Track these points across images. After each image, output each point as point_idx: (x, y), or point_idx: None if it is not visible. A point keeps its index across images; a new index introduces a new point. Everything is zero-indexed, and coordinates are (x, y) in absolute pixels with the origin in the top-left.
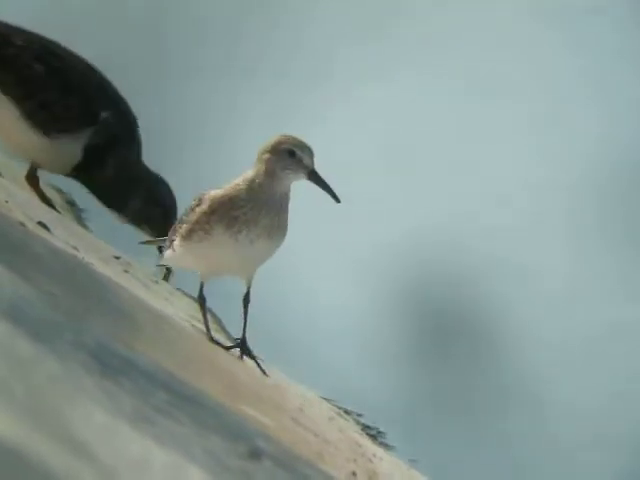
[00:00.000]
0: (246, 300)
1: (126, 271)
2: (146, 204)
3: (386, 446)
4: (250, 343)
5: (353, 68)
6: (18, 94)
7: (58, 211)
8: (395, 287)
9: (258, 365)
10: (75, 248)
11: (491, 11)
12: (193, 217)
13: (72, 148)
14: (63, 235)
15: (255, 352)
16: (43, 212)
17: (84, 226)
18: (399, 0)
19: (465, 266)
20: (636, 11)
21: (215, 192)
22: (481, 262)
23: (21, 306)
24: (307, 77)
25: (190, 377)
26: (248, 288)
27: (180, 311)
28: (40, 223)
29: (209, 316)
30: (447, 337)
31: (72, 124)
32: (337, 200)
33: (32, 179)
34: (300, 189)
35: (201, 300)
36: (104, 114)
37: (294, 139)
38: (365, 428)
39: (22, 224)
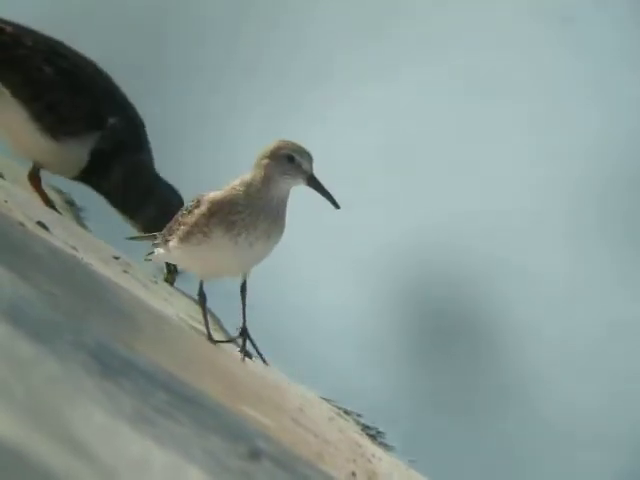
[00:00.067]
0: (243, 288)
1: (125, 271)
2: (158, 214)
3: (386, 446)
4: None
5: (353, 68)
6: (26, 96)
7: (58, 212)
8: (395, 287)
9: (259, 354)
10: (74, 248)
11: (491, 11)
12: (191, 219)
13: (79, 151)
14: (62, 235)
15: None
16: (42, 212)
17: (83, 226)
18: (399, 0)
19: (465, 266)
20: (636, 11)
21: (214, 194)
22: (481, 262)
23: (21, 306)
24: (307, 77)
25: (190, 377)
26: (245, 279)
27: (180, 311)
28: (39, 223)
29: (208, 316)
30: (447, 337)
31: (79, 127)
32: (336, 206)
33: (34, 179)
34: (300, 189)
35: (201, 298)
36: (112, 119)
37: (293, 144)
38: (365, 428)
39: (21, 224)
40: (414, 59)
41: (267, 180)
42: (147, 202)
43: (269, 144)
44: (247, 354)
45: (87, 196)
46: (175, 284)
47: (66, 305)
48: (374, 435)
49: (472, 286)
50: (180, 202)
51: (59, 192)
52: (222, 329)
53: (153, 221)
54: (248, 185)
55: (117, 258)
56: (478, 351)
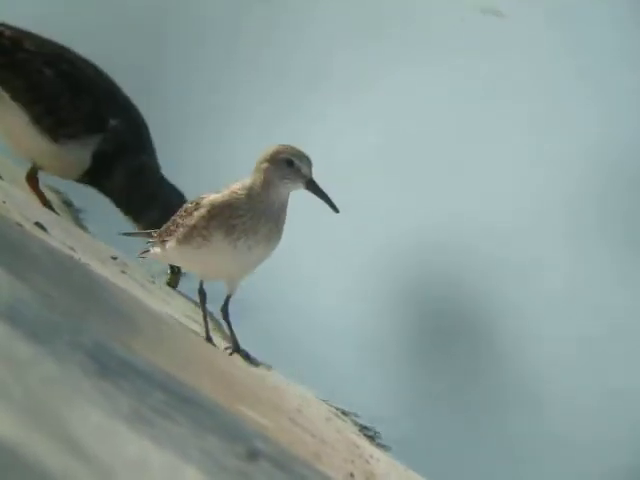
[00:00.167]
0: (225, 308)
1: (123, 272)
2: (162, 217)
3: (384, 447)
4: (250, 343)
5: (353, 68)
6: (27, 99)
7: (56, 212)
8: (395, 287)
9: (256, 363)
10: (72, 249)
11: (491, 13)
12: (190, 221)
13: (81, 154)
14: (60, 236)
15: (254, 353)
16: (40, 213)
17: (81, 227)
18: (399, 0)
19: (465, 266)
20: (636, 11)
21: (214, 197)
22: (481, 262)
23: (18, 307)
24: (307, 77)
25: (188, 378)
26: (228, 297)
27: (177, 311)
28: (37, 224)
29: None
30: (447, 337)
31: (80, 129)
32: (335, 210)
33: (32, 180)
34: (300, 191)
35: (201, 295)
36: (113, 121)
37: (292, 149)
38: (363, 429)
39: (19, 225)
40: (414, 59)
41: (267, 184)
42: (151, 205)
43: (268, 148)
44: (251, 360)
45: (85, 197)
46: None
47: (64, 305)
48: (372, 436)
49: (472, 286)
50: (183, 202)
51: (57, 193)
52: (220, 331)
53: (156, 224)
54: (249, 189)
55: (115, 258)
56: (478, 351)
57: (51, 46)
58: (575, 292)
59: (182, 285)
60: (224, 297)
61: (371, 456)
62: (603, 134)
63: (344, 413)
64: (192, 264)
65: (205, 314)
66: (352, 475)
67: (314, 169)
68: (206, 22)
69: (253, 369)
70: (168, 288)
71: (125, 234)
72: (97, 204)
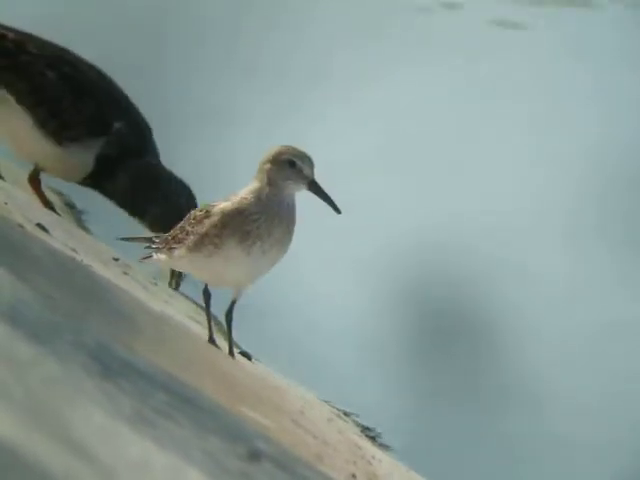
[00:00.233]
0: (230, 313)
1: (125, 273)
2: (166, 210)
3: (385, 447)
4: (251, 345)
5: (353, 68)
6: (31, 102)
7: (58, 214)
8: (395, 287)
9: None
10: (74, 250)
11: (491, 12)
12: (202, 229)
13: (84, 157)
14: (62, 237)
15: (255, 354)
16: (42, 214)
17: (84, 228)
18: (399, 0)
19: (465, 266)
20: (636, 11)
21: (224, 205)
22: (481, 262)
23: (20, 308)
24: (307, 77)
25: (190, 379)
26: (233, 302)
27: (179, 313)
28: (39, 225)
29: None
30: (447, 337)
31: (84, 133)
32: (337, 211)
33: (34, 181)
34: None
35: (206, 296)
36: (117, 124)
37: (294, 149)
38: (364, 430)
39: (21, 226)
40: (414, 59)
41: (270, 185)
42: (154, 200)
43: (270, 149)
44: (246, 355)
45: (87, 198)
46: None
47: (65, 306)
48: (374, 436)
49: (472, 286)
50: (189, 196)
51: (59, 194)
52: (224, 333)
53: (161, 217)
54: (258, 192)
55: (117, 260)
56: (478, 351)
57: (53, 48)
58: (575, 292)
59: (184, 286)
60: (229, 301)
61: (373, 457)
62: (603, 134)
63: (346, 414)
64: (202, 272)
65: (209, 315)
66: (354, 476)
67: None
68: (206, 22)
69: (255, 370)
70: (170, 289)
71: (124, 239)
72: (99, 206)
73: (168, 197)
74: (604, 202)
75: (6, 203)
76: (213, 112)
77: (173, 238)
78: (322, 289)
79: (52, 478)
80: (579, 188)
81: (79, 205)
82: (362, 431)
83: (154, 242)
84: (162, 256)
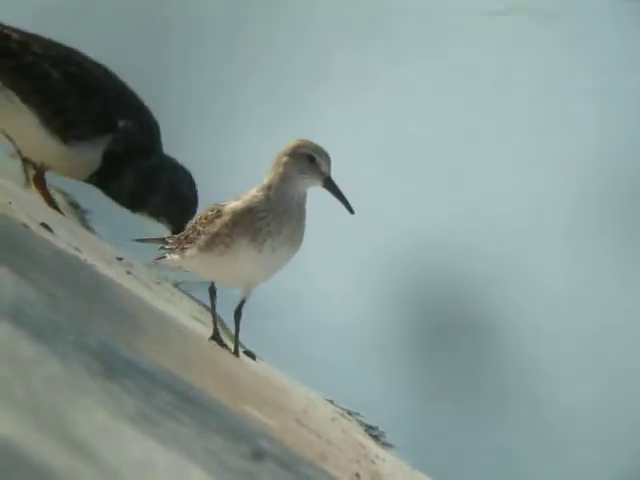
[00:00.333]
0: (238, 312)
1: (129, 272)
2: (165, 199)
3: (389, 446)
4: (255, 345)
5: (353, 68)
6: (36, 102)
7: (62, 213)
8: (397, 287)
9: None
10: (78, 250)
11: (491, 12)
12: (213, 229)
13: (90, 155)
14: (66, 237)
15: (258, 353)
16: (46, 214)
17: (88, 228)
18: (399, 0)
19: (465, 266)
20: (636, 11)
21: (235, 204)
22: (481, 262)
23: (23, 307)
24: (307, 77)
25: (193, 378)
26: (242, 301)
27: (183, 312)
28: (43, 224)
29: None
30: (448, 337)
31: (90, 131)
32: (351, 211)
33: (39, 181)
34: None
35: (211, 293)
36: (122, 122)
37: (313, 144)
38: (368, 429)
39: (25, 225)
40: (414, 59)
41: (286, 178)
42: (155, 189)
43: (289, 142)
44: (250, 354)
45: (91, 198)
46: (178, 286)
47: (69, 306)
48: (377, 436)
49: (472, 286)
50: (190, 183)
51: (63, 194)
52: (225, 329)
53: (162, 205)
54: (267, 189)
55: (120, 259)
56: (479, 351)
57: (59, 48)
58: (575, 292)
59: (186, 286)
60: (236, 300)
61: (377, 456)
62: (603, 134)
63: (349, 413)
64: (213, 271)
65: (214, 312)
66: (358, 475)
67: None
68: (206, 22)
69: (258, 370)
70: (174, 289)
71: (138, 240)
72: (103, 205)
73: (169, 185)
74: (604, 202)
75: (10, 202)
76: (213, 112)
77: (185, 238)
78: (325, 289)
79: (55, 478)
80: (579, 188)
81: (83, 205)
82: (366, 430)
83: (167, 243)
84: (175, 256)
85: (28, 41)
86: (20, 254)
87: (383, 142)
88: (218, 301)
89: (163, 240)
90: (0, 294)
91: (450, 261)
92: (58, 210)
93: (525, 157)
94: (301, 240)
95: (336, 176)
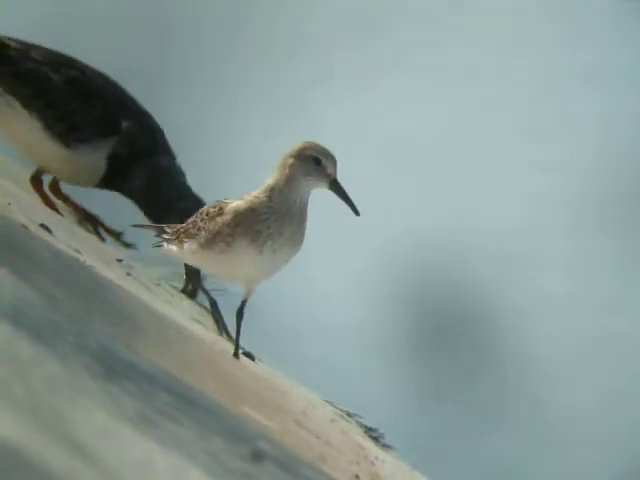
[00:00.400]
0: (240, 312)
1: (128, 274)
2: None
3: (388, 448)
4: (254, 345)
5: (353, 68)
6: (37, 106)
7: (61, 214)
8: (397, 287)
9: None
10: (77, 251)
11: (491, 12)
12: (214, 227)
13: (94, 157)
14: (65, 238)
15: (258, 355)
16: (45, 214)
17: (87, 229)
18: (399, 0)
19: (465, 266)
20: (636, 11)
21: (237, 204)
22: (481, 262)
23: (23, 308)
24: (307, 77)
25: (192, 380)
26: (244, 301)
27: (182, 314)
28: (42, 225)
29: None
30: (449, 337)
31: (92, 133)
32: (357, 213)
33: (36, 181)
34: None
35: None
36: (125, 124)
37: (319, 146)
38: (367, 430)
39: (24, 226)
40: (415, 59)
41: (290, 180)
42: (171, 214)
43: (295, 144)
44: (249, 355)
45: (90, 199)
46: (178, 285)
47: (68, 307)
48: (377, 437)
49: (472, 286)
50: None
51: None
52: (225, 330)
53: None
54: (270, 190)
55: (120, 260)
56: (479, 351)
57: (57, 56)
58: (575, 292)
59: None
60: (240, 300)
61: (376, 457)
62: (603, 134)
63: (349, 414)
64: (213, 267)
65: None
66: (357, 477)
67: None
68: (206, 22)
69: (257, 371)
70: (173, 290)
71: (136, 226)
72: (102, 206)
73: (184, 213)
74: (604, 202)
75: (9, 203)
76: (213, 112)
77: (185, 232)
78: (325, 289)
79: (54, 478)
80: (579, 188)
81: (82, 206)
82: (365, 431)
83: (165, 232)
84: (173, 247)
85: (27, 49)
86: (19, 255)
87: (383, 142)
88: (217, 301)
89: (161, 229)
90: (0, 295)
91: (450, 261)
92: (57, 211)
93: (525, 157)
94: (302, 242)
95: (338, 176)
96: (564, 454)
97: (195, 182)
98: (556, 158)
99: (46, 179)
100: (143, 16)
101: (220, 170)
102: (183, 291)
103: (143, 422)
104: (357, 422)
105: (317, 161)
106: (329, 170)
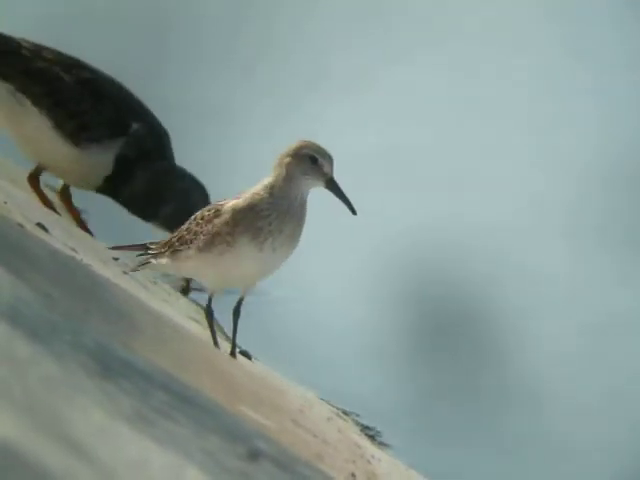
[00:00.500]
0: (237, 311)
1: (125, 272)
2: (177, 210)
3: (385, 446)
4: (251, 344)
5: (353, 68)
6: (47, 105)
7: (57, 213)
8: (395, 287)
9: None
10: (74, 250)
11: (491, 12)
12: (212, 229)
13: (103, 158)
14: (62, 236)
15: (255, 354)
16: (42, 213)
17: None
18: (399, 0)
19: (465, 266)
20: (636, 11)
21: (235, 202)
22: (481, 262)
23: (19, 307)
24: (307, 77)
25: (189, 378)
26: (240, 300)
27: (179, 312)
28: (39, 224)
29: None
30: (447, 337)
31: (102, 133)
32: (353, 212)
33: (33, 180)
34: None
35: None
36: (135, 125)
37: (316, 145)
38: (364, 429)
39: (21, 225)
40: (414, 59)
41: (288, 179)
42: (166, 200)
43: (292, 143)
44: (246, 354)
45: (87, 198)
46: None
47: (65, 306)
48: (373, 435)
49: (472, 286)
50: (202, 194)
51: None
52: (219, 327)
53: (173, 217)
54: (270, 187)
55: (116, 259)
56: (478, 351)
57: (68, 58)
58: (575, 292)
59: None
60: (237, 299)
61: (372, 456)
62: (603, 134)
63: (345, 413)
64: (212, 271)
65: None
66: (354, 475)
67: None
68: (206, 22)
69: (254, 370)
70: (170, 289)
71: (115, 248)
72: (99, 205)
73: (180, 195)
74: (604, 202)
75: (6, 202)
76: (213, 112)
77: (178, 240)
78: (322, 288)
79: (51, 477)
80: (579, 188)
81: (79, 204)
82: (362, 430)
83: (149, 249)
84: (163, 260)
85: (39, 49)
86: (16, 254)
87: (383, 142)
88: (216, 301)
89: (143, 246)
90: None
91: (450, 261)
92: (54, 210)
93: (525, 157)
94: (299, 239)
95: (336, 176)
96: (564, 454)
97: None
98: (555, 158)
99: (43, 178)
100: (143, 16)
101: (220, 170)
102: (182, 291)
103: (140, 420)
104: (353, 420)
105: (314, 160)
106: (325, 169)
